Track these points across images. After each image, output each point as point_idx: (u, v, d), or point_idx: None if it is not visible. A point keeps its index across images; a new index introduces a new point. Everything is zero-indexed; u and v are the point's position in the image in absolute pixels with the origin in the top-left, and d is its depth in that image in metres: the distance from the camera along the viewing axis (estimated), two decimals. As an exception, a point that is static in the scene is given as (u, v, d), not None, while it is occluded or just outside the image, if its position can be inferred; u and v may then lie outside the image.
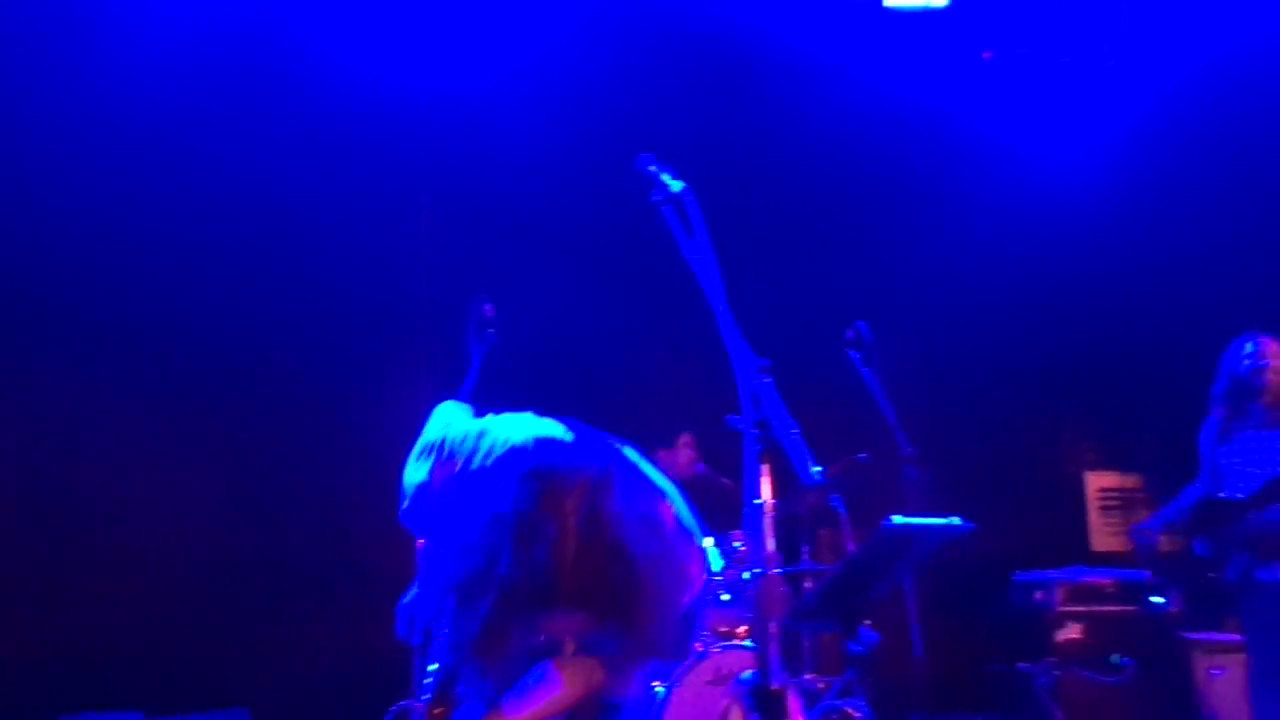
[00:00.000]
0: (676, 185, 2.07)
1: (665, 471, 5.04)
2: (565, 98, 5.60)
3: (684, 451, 4.84)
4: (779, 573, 1.62)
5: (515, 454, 1.82)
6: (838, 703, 3.87)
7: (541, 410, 2.23)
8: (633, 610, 1.57)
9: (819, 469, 4.51)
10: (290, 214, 5.27)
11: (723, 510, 4.88)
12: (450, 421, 2.17)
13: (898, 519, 3.40)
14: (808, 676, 4.08)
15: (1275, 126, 5.83)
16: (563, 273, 5.52)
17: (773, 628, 1.62)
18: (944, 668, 5.08)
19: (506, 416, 2.13)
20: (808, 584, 4.80)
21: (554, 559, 1.58)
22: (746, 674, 1.58)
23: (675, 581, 1.70)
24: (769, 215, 6.09)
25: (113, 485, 5.01)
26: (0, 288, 4.83)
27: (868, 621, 3.55)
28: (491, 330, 3.93)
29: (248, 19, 5.17)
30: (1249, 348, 4.25)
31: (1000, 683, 5.20)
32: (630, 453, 1.90)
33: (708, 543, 4.36)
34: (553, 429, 2.04)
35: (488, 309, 3.98)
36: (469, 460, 1.96)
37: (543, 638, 1.68)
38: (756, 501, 1.65)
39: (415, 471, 2.08)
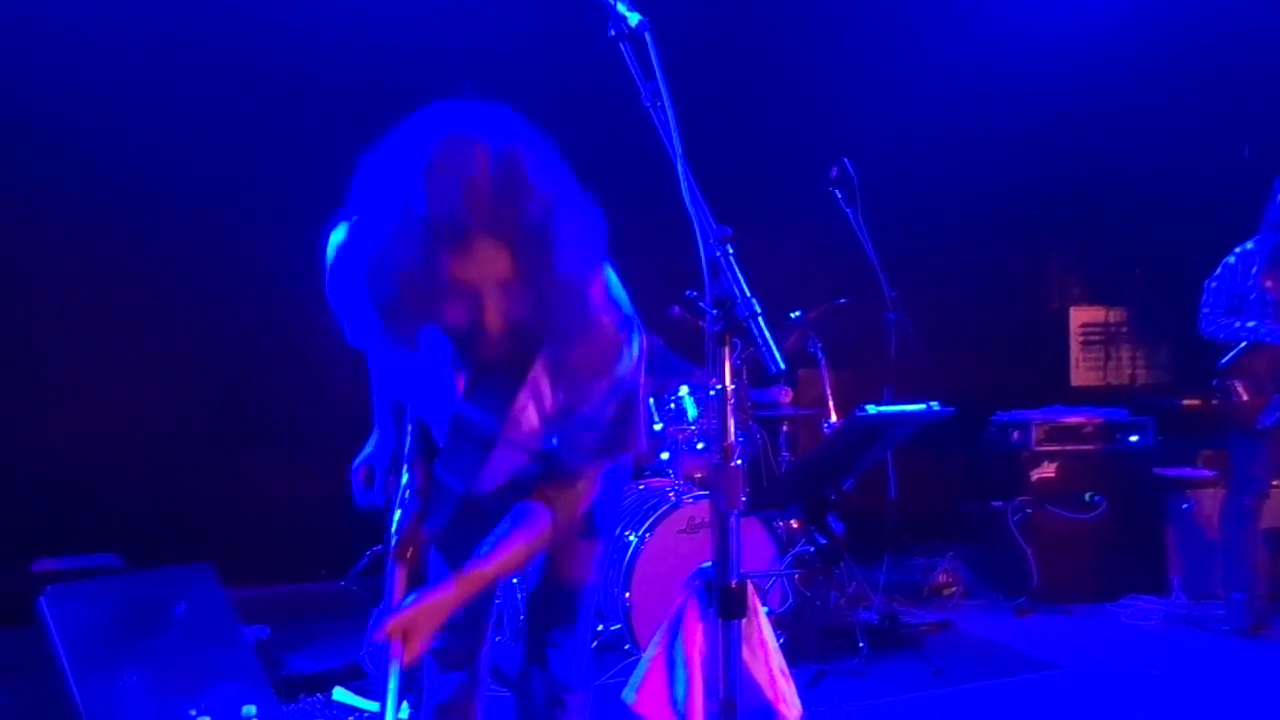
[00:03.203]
0: (634, 18, 1.80)
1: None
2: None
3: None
4: (740, 465, 1.48)
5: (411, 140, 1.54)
6: (808, 548, 3.88)
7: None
8: (553, 256, 1.46)
9: (798, 313, 4.45)
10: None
11: (698, 355, 4.78)
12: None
13: (870, 408, 3.27)
14: (779, 523, 4.07)
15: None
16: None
17: (732, 521, 1.50)
18: (919, 505, 5.14)
19: None
20: (785, 428, 4.77)
21: (470, 191, 1.42)
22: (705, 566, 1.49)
23: (602, 306, 1.61)
24: (745, 43, 5.69)
25: (90, 337, 4.94)
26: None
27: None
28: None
29: None
30: None
31: (972, 520, 5.26)
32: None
33: (683, 391, 4.28)
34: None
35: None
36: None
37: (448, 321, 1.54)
38: (717, 387, 1.49)
39: (336, 234, 1.82)
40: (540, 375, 1.70)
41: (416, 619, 1.74)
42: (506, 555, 1.81)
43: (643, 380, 1.78)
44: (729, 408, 1.51)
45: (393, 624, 1.72)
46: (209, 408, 5.13)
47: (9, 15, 4.63)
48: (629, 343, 1.72)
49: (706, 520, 3.73)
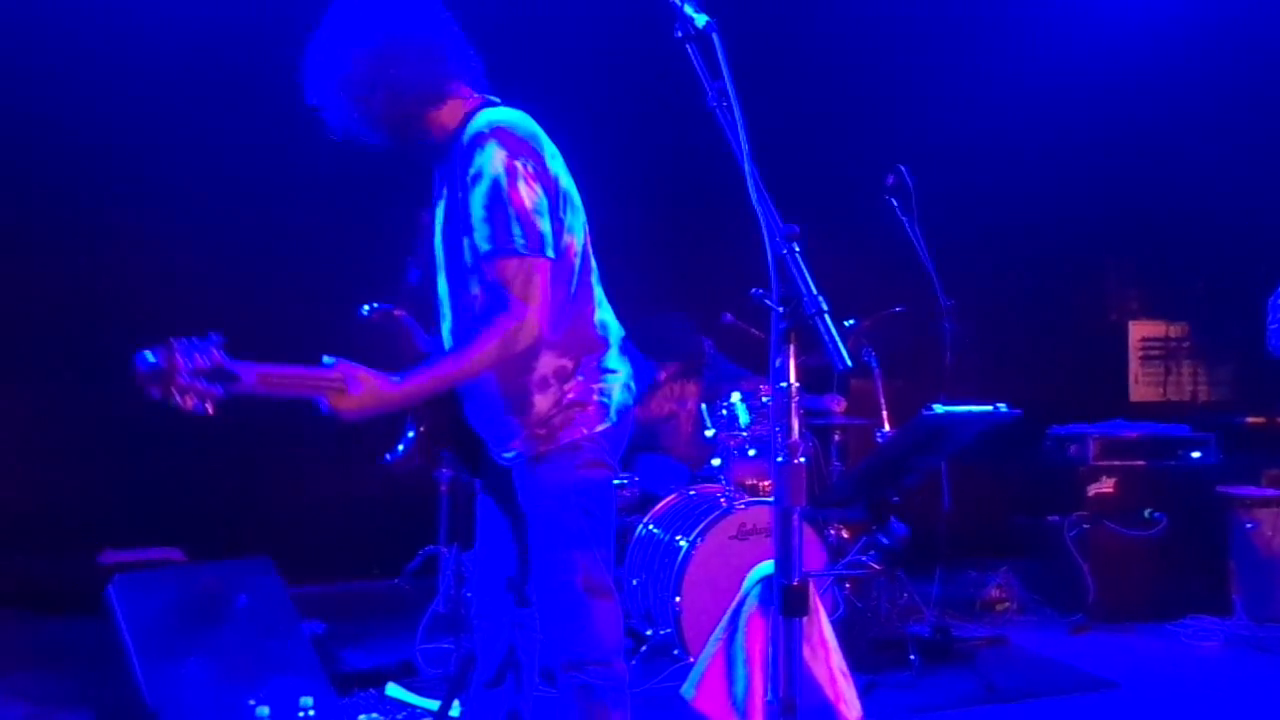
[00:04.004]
0: (701, 19, 1.81)
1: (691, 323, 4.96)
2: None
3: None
4: (803, 462, 1.48)
5: None
6: (862, 556, 3.85)
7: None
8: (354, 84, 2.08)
9: (851, 321, 4.43)
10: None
11: (753, 363, 4.78)
12: None
13: (937, 408, 3.23)
14: (832, 531, 4.05)
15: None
16: (575, 124, 5.19)
17: (795, 519, 1.50)
18: (972, 518, 5.06)
19: None
20: (836, 436, 4.75)
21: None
22: (765, 567, 1.48)
23: None
24: (804, 52, 5.69)
25: (157, 338, 5.03)
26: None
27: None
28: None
29: None
30: None
31: (1027, 534, 5.18)
32: None
33: (735, 397, 4.27)
34: None
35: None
36: None
37: None
38: (782, 385, 1.50)
39: None
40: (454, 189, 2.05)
41: (359, 383, 1.90)
42: (454, 361, 1.98)
43: (509, 185, 1.98)
44: (793, 405, 1.51)
45: (343, 367, 1.92)
46: (268, 410, 5.19)
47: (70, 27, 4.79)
48: (482, 143, 2.00)
49: (758, 526, 3.73)
